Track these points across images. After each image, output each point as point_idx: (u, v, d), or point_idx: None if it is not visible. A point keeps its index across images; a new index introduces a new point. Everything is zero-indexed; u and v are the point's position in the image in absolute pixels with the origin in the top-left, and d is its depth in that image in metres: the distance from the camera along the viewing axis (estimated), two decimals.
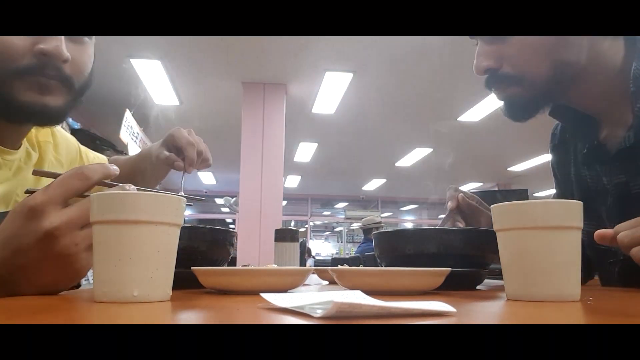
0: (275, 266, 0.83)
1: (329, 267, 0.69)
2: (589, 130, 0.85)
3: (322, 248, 14.33)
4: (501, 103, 0.83)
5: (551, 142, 1.00)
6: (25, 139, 0.86)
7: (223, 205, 10.18)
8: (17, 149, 0.84)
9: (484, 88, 0.83)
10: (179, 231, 0.49)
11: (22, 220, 0.51)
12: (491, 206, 0.54)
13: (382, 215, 11.24)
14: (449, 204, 0.94)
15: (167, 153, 0.93)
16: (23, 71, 0.71)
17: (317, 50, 4.22)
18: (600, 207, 0.83)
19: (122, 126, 4.30)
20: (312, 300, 0.39)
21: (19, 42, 0.70)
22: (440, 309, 0.36)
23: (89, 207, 0.48)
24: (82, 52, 0.78)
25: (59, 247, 0.50)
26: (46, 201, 0.51)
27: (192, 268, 0.61)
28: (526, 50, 0.76)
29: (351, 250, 10.49)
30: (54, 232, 0.50)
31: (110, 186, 0.58)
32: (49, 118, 0.76)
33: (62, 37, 0.73)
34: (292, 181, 9.95)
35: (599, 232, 0.63)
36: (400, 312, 0.35)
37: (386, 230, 0.82)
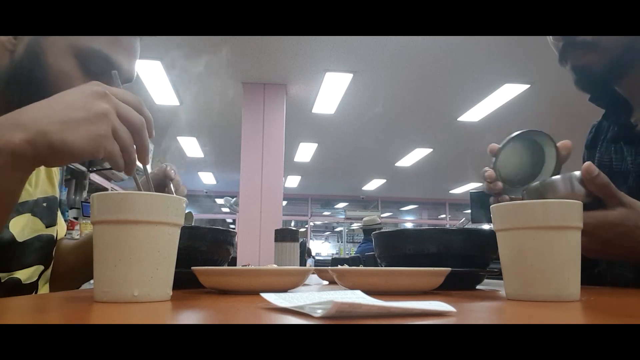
0: (275, 266, 0.83)
1: (329, 267, 0.69)
2: (622, 113, 0.89)
3: (322, 248, 14.33)
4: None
5: (586, 141, 1.04)
6: None
7: (223, 205, 10.19)
8: None
9: (559, 62, 0.86)
10: (179, 231, 0.49)
11: (82, 86, 0.57)
12: (491, 206, 0.54)
13: (382, 215, 11.24)
14: None
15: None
16: None
17: (317, 50, 4.22)
18: (622, 187, 0.85)
19: None
20: (312, 300, 0.39)
21: (80, 83, 0.74)
22: (440, 309, 0.36)
23: (138, 111, 0.57)
24: None
25: (101, 106, 0.54)
26: (109, 87, 0.57)
27: (193, 268, 0.61)
28: None
29: (351, 251, 10.49)
30: (104, 95, 0.55)
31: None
32: None
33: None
34: (292, 181, 9.95)
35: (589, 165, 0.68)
36: (400, 312, 0.35)
37: (386, 230, 0.82)
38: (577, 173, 0.70)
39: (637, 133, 0.84)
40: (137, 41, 0.82)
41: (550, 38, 0.86)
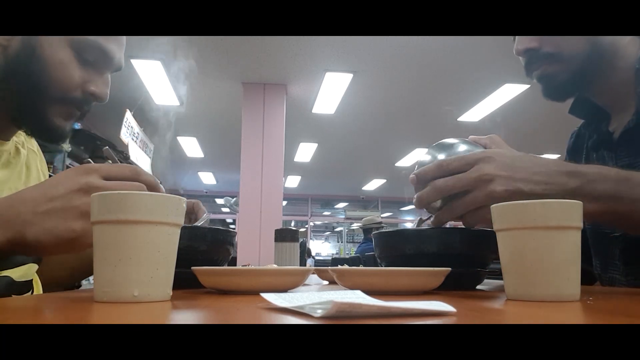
0: (275, 266, 0.83)
1: (329, 267, 0.69)
2: (601, 122, 0.91)
3: (322, 248, 14.33)
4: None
5: (567, 146, 1.05)
6: (15, 136, 0.87)
7: (223, 205, 10.19)
8: (7, 142, 0.85)
9: (526, 75, 0.89)
10: (179, 231, 0.49)
11: (73, 171, 0.57)
12: (491, 206, 0.54)
13: (382, 215, 11.24)
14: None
15: None
16: (67, 100, 0.78)
17: (317, 50, 4.22)
18: None
19: (123, 126, 4.31)
20: (312, 300, 0.39)
21: (76, 77, 0.77)
22: (440, 309, 0.36)
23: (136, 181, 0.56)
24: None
25: (83, 203, 0.54)
26: (101, 168, 0.57)
27: (193, 268, 0.61)
28: None
29: (351, 250, 10.49)
30: (90, 189, 0.54)
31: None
32: (60, 139, 0.82)
33: (109, 77, 0.82)
34: (292, 181, 9.95)
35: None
36: (400, 312, 0.35)
37: (386, 230, 0.82)
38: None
39: (615, 140, 0.86)
40: None
41: (514, 52, 0.88)
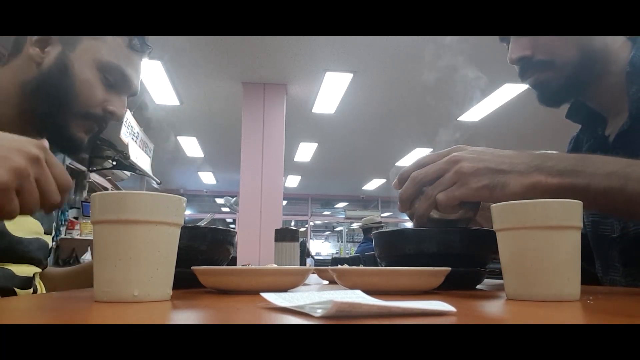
0: (275, 266, 0.83)
1: (329, 267, 0.69)
2: (597, 127, 0.92)
3: (322, 248, 14.33)
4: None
5: (566, 151, 1.06)
6: None
7: (223, 205, 10.18)
8: None
9: (518, 78, 0.90)
10: (179, 231, 0.49)
11: (33, 141, 0.55)
12: (491, 206, 0.54)
13: (382, 215, 11.23)
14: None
15: None
16: (87, 116, 0.84)
17: (317, 50, 4.22)
18: None
19: (123, 126, 4.31)
20: (312, 300, 0.39)
21: (99, 96, 0.84)
22: (440, 308, 0.36)
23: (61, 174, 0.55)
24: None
25: (17, 163, 0.51)
26: (51, 155, 0.56)
27: (193, 268, 0.61)
28: (556, 37, 0.83)
29: (351, 250, 10.49)
30: (30, 158, 0.52)
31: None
32: (78, 150, 0.87)
33: (126, 99, 0.89)
34: (292, 181, 9.95)
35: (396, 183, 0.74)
36: (400, 312, 0.35)
37: (386, 230, 0.82)
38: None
39: (611, 143, 0.86)
40: (141, 60, 0.93)
41: (508, 60, 0.89)
